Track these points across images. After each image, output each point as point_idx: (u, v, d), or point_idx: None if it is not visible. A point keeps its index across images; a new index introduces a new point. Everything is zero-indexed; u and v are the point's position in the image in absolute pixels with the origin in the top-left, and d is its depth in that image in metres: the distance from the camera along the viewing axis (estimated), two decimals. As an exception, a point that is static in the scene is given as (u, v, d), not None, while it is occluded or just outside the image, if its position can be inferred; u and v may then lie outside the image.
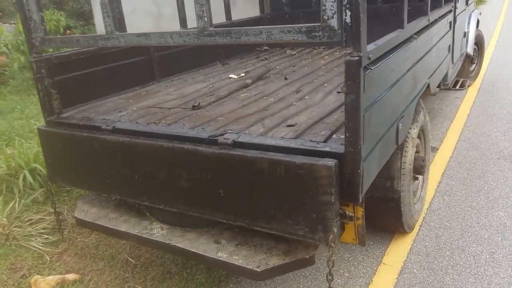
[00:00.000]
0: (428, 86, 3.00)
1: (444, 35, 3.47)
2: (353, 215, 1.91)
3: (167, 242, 2.17)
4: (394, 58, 2.03)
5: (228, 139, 1.96)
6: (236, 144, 1.93)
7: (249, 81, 3.13)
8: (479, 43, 5.83)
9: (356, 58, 1.59)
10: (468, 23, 5.17)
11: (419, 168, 2.87)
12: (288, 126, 2.13)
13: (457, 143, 4.34)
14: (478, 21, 5.58)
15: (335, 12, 1.59)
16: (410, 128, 2.65)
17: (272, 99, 2.71)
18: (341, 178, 1.72)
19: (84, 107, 2.81)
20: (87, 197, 2.73)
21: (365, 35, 1.62)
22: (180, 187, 2.06)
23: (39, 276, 2.69)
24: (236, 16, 4.52)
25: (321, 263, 2.63)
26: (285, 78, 3.24)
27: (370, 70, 1.70)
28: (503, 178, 3.61)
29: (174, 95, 2.96)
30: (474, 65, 5.89)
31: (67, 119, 2.56)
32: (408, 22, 2.46)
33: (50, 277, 2.68)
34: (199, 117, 2.40)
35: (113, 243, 3.06)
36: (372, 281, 2.56)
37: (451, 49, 3.92)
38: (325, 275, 1.94)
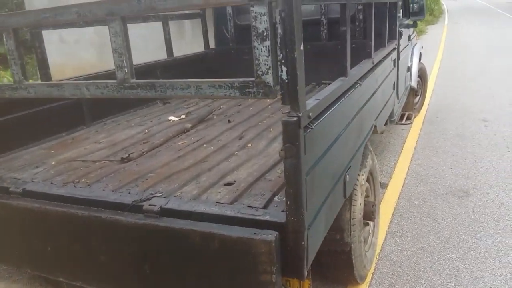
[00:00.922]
0: (375, 128, 2.90)
1: (389, 73, 3.42)
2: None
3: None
4: (338, 110, 1.87)
5: (155, 205, 1.69)
6: (164, 212, 1.67)
7: (189, 125, 2.88)
8: (422, 76, 5.96)
9: (295, 118, 1.40)
10: (411, 57, 5.25)
11: (370, 214, 2.72)
12: (226, 184, 1.91)
13: (405, 178, 4.30)
14: (420, 54, 5.71)
15: (269, 67, 1.40)
16: (359, 175, 2.51)
17: (212, 147, 2.48)
18: (283, 251, 1.50)
19: None
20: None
21: (304, 92, 1.44)
22: (99, 262, 1.76)
23: None
24: (185, 48, 4.32)
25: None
26: (229, 121, 3.03)
27: (311, 129, 1.52)
28: (452, 215, 3.56)
29: (104, 143, 2.66)
30: (418, 97, 5.99)
31: None
32: (352, 63, 2.35)
33: None
34: (126, 173, 2.12)
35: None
36: None
37: (395, 86, 3.90)
38: None
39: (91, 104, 3.12)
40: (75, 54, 7.62)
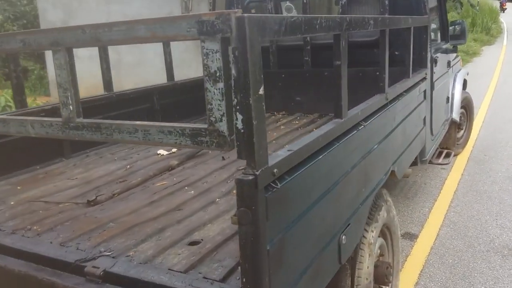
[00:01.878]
0: (392, 173, 2.66)
1: (416, 107, 3.19)
2: None
3: None
4: (326, 160, 1.67)
5: (98, 268, 1.56)
6: (107, 277, 1.53)
7: (175, 162, 2.76)
8: (467, 107, 5.64)
9: (250, 177, 1.23)
10: (453, 86, 4.97)
11: (383, 278, 2.47)
12: (191, 244, 1.75)
13: (440, 229, 3.97)
14: (465, 82, 5.42)
15: (223, 113, 1.25)
16: (366, 232, 2.28)
17: (193, 191, 2.33)
18: None
19: None
20: None
21: (264, 145, 1.27)
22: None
23: None
24: (187, 72, 4.26)
25: None
26: (223, 158, 2.89)
27: (276, 189, 1.34)
28: (492, 278, 3.22)
29: (77, 180, 2.57)
30: (462, 131, 5.65)
31: None
32: (366, 97, 2.16)
33: None
34: (85, 221, 2.00)
35: None
36: None
37: (427, 120, 3.65)
38: None
39: None
40: (89, 71, 7.81)
